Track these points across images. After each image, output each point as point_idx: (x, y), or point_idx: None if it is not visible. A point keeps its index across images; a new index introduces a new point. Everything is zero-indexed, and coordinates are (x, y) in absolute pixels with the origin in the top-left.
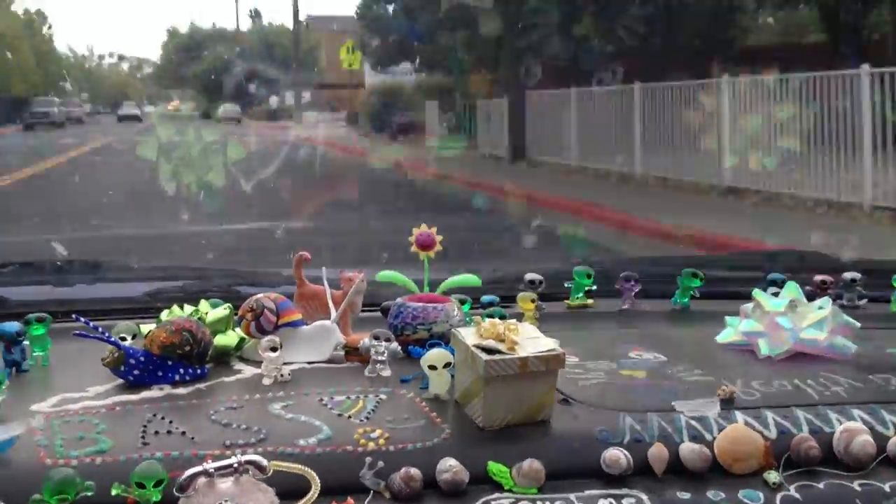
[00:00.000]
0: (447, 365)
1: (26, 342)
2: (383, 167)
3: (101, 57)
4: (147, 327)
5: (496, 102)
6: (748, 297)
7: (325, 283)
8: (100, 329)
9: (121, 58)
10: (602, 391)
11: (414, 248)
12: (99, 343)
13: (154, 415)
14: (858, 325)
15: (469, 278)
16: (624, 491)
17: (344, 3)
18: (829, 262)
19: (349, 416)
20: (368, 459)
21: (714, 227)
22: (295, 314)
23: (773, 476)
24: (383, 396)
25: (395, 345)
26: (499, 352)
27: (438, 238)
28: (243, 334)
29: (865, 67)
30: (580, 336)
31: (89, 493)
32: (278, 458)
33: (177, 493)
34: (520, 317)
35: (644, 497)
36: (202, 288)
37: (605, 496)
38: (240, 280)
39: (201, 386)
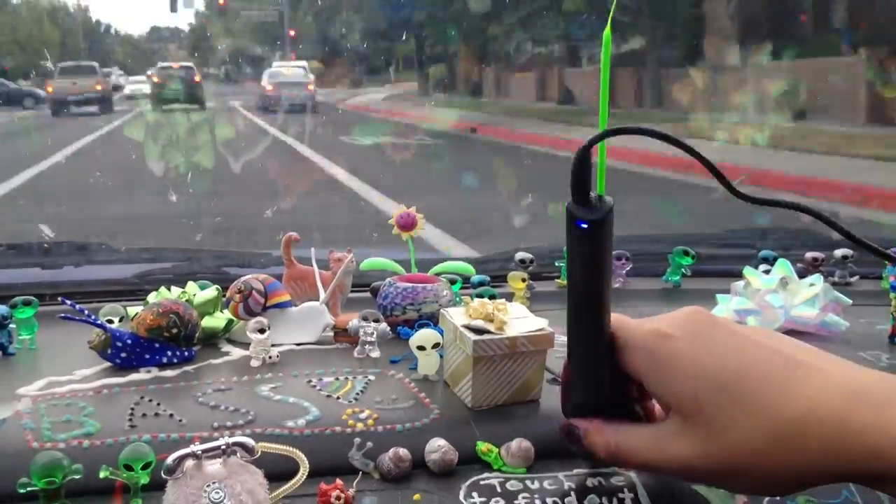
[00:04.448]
0: (436, 346)
1: (13, 325)
2: None
3: None
4: (134, 309)
5: None
6: (740, 275)
7: (314, 263)
8: (86, 312)
9: None
10: None
11: (395, 231)
12: (86, 326)
13: (141, 397)
14: (850, 301)
15: (462, 266)
16: (612, 469)
17: None
18: (820, 239)
19: (338, 398)
20: (357, 440)
21: None
22: (283, 295)
23: None
24: (372, 377)
25: (384, 325)
26: (488, 332)
27: (420, 216)
28: (231, 316)
29: None
30: None
31: (77, 477)
32: (266, 440)
33: (165, 476)
34: (510, 296)
35: (632, 474)
36: (191, 269)
37: (594, 475)
38: (228, 261)
39: (189, 368)
